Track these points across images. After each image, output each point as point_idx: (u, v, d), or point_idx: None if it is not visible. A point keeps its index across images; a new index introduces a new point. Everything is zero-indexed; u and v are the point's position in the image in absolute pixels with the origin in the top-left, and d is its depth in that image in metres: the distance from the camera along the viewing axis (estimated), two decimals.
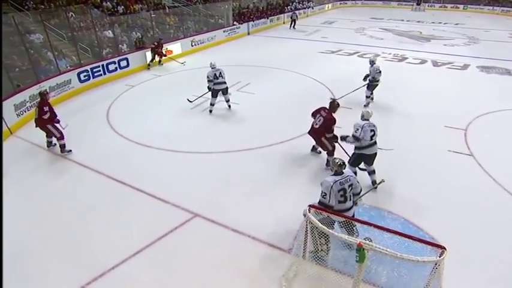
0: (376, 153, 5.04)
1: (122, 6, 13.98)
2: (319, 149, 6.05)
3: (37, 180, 5.53)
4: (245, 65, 12.31)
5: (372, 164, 5.08)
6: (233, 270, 3.78)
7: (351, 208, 3.71)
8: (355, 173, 4.89)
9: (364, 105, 8.21)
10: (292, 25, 20.37)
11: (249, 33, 18.60)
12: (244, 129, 7.33)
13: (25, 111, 7.53)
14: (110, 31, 11.96)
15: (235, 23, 17.83)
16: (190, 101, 8.52)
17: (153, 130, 7.15)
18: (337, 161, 3.68)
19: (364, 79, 8.27)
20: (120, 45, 11.82)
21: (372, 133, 4.87)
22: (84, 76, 9.75)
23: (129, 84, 10.28)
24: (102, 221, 4.59)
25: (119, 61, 10.89)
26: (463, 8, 31.72)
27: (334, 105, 5.57)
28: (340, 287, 3.13)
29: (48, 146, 6.28)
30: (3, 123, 6.66)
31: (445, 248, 2.79)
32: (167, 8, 15.73)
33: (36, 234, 4.35)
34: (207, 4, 17.91)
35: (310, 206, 3.26)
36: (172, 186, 5.27)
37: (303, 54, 14.22)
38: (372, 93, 8.39)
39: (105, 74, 10.42)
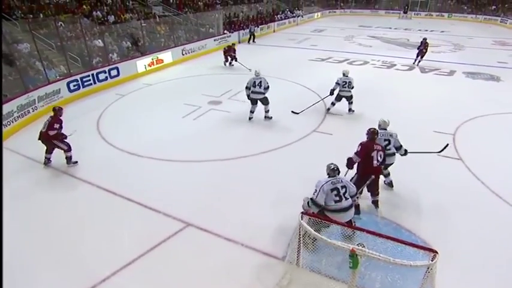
0: (392, 163, 5.20)
1: (113, 16, 13.98)
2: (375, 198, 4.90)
3: (24, 190, 5.41)
4: (236, 73, 12.37)
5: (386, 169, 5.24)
6: (227, 280, 3.74)
7: (349, 207, 3.85)
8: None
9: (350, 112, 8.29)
10: (252, 39, 18.95)
11: (239, 42, 18.74)
12: (236, 137, 7.33)
13: (12, 122, 7.40)
14: (99, 40, 11.92)
15: (225, 31, 17.96)
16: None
17: (144, 139, 7.10)
18: (332, 166, 3.89)
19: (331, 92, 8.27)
20: (110, 55, 11.78)
21: (386, 142, 4.95)
22: (74, 86, 9.66)
23: (120, 93, 10.22)
24: (93, 232, 4.51)
25: (109, 70, 10.84)
26: (448, 16, 32.58)
27: (376, 133, 4.70)
28: None
29: (45, 164, 6.07)
30: None
31: (437, 252, 2.82)
32: (157, 17, 15.78)
33: (25, 246, 4.24)
34: (197, 13, 18.03)
35: (302, 213, 3.26)
36: (164, 196, 5.22)
37: (294, 62, 14.38)
38: (351, 103, 8.42)
39: (95, 83, 10.34)
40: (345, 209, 3.81)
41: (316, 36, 21.79)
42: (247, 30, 18.92)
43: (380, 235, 3.84)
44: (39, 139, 5.81)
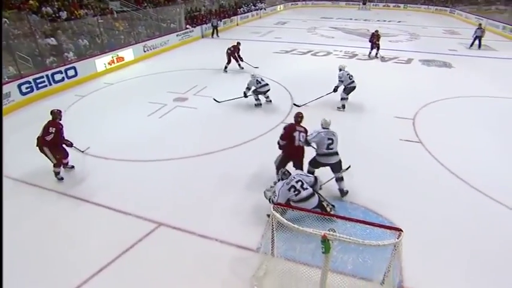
0: (336, 163, 4.89)
1: (65, 12, 13.17)
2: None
3: None
4: (201, 69, 12.18)
5: (338, 172, 4.93)
6: (204, 276, 3.72)
7: (310, 196, 4.20)
8: (313, 173, 4.96)
9: (338, 108, 8.29)
10: (215, 33, 18.54)
11: (203, 36, 18.42)
12: (204, 133, 7.23)
13: None
14: (52, 39, 11.19)
15: (188, 26, 17.56)
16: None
17: (108, 141, 6.81)
18: (283, 171, 4.42)
19: (335, 89, 8.30)
20: (65, 54, 11.12)
21: (330, 141, 4.82)
22: (27, 88, 9.01)
23: (79, 94, 9.69)
24: (59, 241, 4.28)
25: (65, 70, 10.21)
26: (404, 7, 34.13)
27: (301, 117, 5.17)
28: (310, 279, 3.20)
29: (67, 167, 5.78)
30: None
31: (402, 230, 2.96)
32: (115, 12, 15.08)
33: None
34: (157, 8, 17.44)
35: (274, 204, 3.30)
36: (133, 197, 5.06)
37: (258, 55, 14.33)
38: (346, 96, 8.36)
39: (50, 84, 9.71)
40: (306, 198, 4.18)
41: (280, 28, 21.93)
42: (210, 24, 18.61)
43: (349, 219, 3.99)
44: (36, 145, 5.31)
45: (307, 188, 4.22)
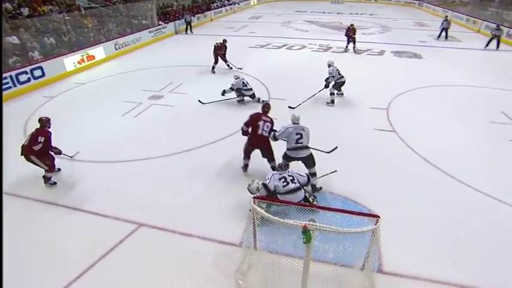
0: (307, 157, 4.95)
1: (27, 8, 12.47)
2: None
3: None
4: (175, 65, 11.96)
5: (311, 167, 4.98)
6: (187, 274, 3.69)
7: (297, 189, 4.35)
8: (288, 165, 5.00)
9: (327, 103, 8.27)
10: (189, 29, 18.08)
11: (176, 33, 18.07)
12: (181, 131, 7.13)
13: None
14: (14, 37, 10.58)
15: (160, 22, 17.15)
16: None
17: (82, 143, 6.55)
18: (281, 164, 4.69)
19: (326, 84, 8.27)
20: (30, 53, 10.57)
21: (298, 136, 4.85)
22: None
23: (48, 95, 9.27)
24: (35, 249, 4.09)
25: (31, 70, 9.72)
26: (375, 0, 34.90)
27: (268, 107, 5.46)
28: (293, 270, 3.23)
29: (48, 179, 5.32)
30: None
31: (379, 217, 3.06)
32: (82, 9, 14.47)
33: None
34: (127, 4, 16.88)
35: (254, 197, 3.31)
36: (111, 199, 4.92)
37: (233, 50, 14.11)
38: (339, 90, 8.51)
39: (15, 86, 9.22)
40: (293, 191, 4.33)
41: (254, 23, 21.86)
42: (183, 20, 18.26)
43: (329, 209, 4.07)
44: (21, 154, 4.95)
45: (295, 183, 4.38)
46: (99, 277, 3.68)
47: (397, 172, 5.57)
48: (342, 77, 8.22)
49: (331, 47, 14.69)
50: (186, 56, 13.28)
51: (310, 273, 3.06)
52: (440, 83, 9.95)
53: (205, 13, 22.12)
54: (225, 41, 11.17)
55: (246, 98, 8.47)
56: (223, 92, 8.33)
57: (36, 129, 5.02)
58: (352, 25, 13.88)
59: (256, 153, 5.43)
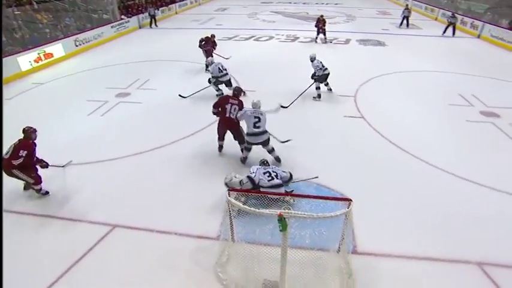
0: (263, 142, 5.26)
1: None
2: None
3: None
4: (141, 61, 11.58)
5: (266, 146, 5.35)
6: (166, 271, 3.64)
7: (280, 186, 4.42)
8: (249, 150, 5.39)
9: (314, 97, 8.12)
10: (154, 23, 17.46)
11: (140, 27, 17.45)
12: (152, 128, 6.94)
13: None
14: None
15: (123, 16, 16.47)
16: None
17: (46, 146, 6.12)
18: (263, 160, 4.81)
19: (312, 77, 8.16)
20: None
21: (256, 120, 5.11)
22: None
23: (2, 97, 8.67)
24: (5, 260, 3.85)
25: None
26: None
27: (239, 90, 5.77)
28: (271, 258, 3.28)
29: (25, 189, 4.98)
30: None
31: (351, 200, 3.16)
32: (35, 3, 13.54)
33: None
34: None
35: (229, 190, 3.31)
36: (81, 203, 4.72)
37: None
38: (327, 84, 8.36)
39: None
40: (277, 186, 4.39)
41: (220, 15, 21.55)
42: (147, 13, 17.64)
43: (303, 196, 4.19)
44: (1, 169, 4.40)
45: (279, 179, 4.47)
46: (74, 283, 3.55)
47: (367, 156, 5.78)
48: (326, 69, 8.08)
49: (298, 37, 14.82)
50: (152, 51, 12.89)
51: (289, 259, 3.12)
52: (403, 69, 10.37)
53: (169, 6, 21.49)
54: (213, 36, 10.58)
55: (226, 90, 8.19)
56: (209, 81, 8.12)
57: (19, 140, 4.51)
58: (322, 16, 13.98)
59: (214, 150, 5.37)
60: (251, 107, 5.30)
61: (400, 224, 4.30)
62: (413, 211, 4.51)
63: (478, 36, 15.09)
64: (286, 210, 2.92)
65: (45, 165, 4.86)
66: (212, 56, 9.93)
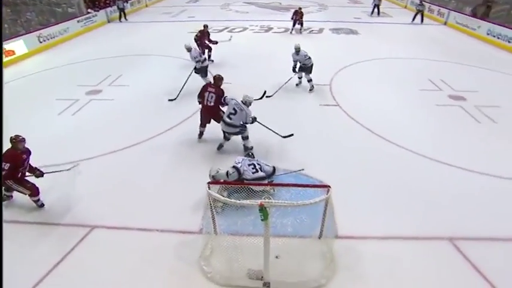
0: (230, 133, 5.43)
1: None
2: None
3: None
4: (112, 57, 11.17)
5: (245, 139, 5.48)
6: (150, 269, 3.60)
7: (263, 178, 4.46)
8: (227, 138, 5.54)
9: (310, 90, 8.09)
10: (123, 17, 16.73)
11: (109, 21, 16.78)
12: (126, 125, 6.73)
13: None
14: None
15: (89, 10, 15.77)
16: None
17: None
18: (249, 153, 4.99)
19: (294, 70, 8.04)
20: None
21: (232, 111, 5.22)
22: None
23: None
24: None
25: None
26: None
27: (217, 78, 5.71)
28: (255, 248, 3.31)
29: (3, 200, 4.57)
30: None
31: (329, 186, 3.24)
32: None
33: None
34: None
35: (208, 182, 3.30)
36: (57, 205, 4.57)
37: (173, 36, 13.71)
38: (310, 80, 8.11)
39: None
40: (260, 179, 4.44)
41: (192, 7, 21.08)
42: (115, 6, 16.96)
43: (283, 185, 4.24)
44: None
45: (263, 172, 4.52)
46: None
47: (342, 143, 5.92)
48: (310, 58, 7.91)
49: (272, 28, 14.79)
50: (123, 46, 12.46)
51: (272, 248, 3.17)
52: (376, 56, 10.61)
53: None
54: (205, 26, 10.14)
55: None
56: (195, 68, 7.88)
57: (7, 149, 4.19)
58: (300, 8, 13.89)
59: (192, 144, 5.35)
60: (241, 99, 5.32)
61: (377, 206, 4.46)
62: (389, 193, 4.68)
63: (445, 23, 15.64)
64: (267, 200, 2.95)
65: (39, 174, 4.53)
66: (208, 49, 9.98)
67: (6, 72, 10.00)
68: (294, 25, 13.92)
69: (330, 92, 7.94)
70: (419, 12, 15.63)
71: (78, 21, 14.49)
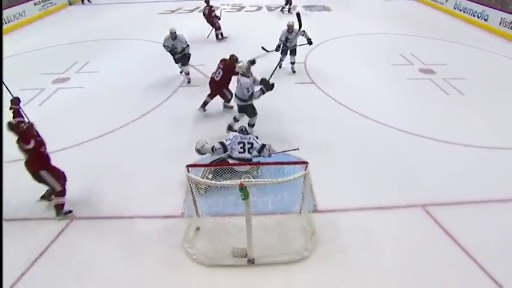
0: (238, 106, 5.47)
1: None
2: (229, 104, 6.25)
3: None
4: (77, 42, 10.59)
5: (251, 116, 5.47)
6: (135, 257, 3.58)
7: (249, 159, 4.41)
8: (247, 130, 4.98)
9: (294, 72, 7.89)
10: None
11: (70, 3, 15.78)
12: (98, 113, 6.48)
13: None
14: None
15: None
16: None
17: None
18: (241, 127, 4.65)
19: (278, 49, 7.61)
20: None
21: (237, 84, 5.22)
22: None
23: None
24: None
25: None
26: None
27: (231, 57, 5.81)
28: (237, 227, 3.37)
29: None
30: None
31: (307, 163, 3.31)
32: None
33: None
34: None
35: (187, 165, 3.28)
36: (29, 199, 4.38)
37: (142, 18, 13.19)
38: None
39: None
40: (244, 159, 4.38)
41: None
42: None
43: (262, 163, 4.28)
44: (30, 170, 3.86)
45: (251, 153, 4.42)
46: (32, 285, 3.38)
47: (318, 118, 6.03)
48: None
49: (244, 6, 14.47)
50: (88, 30, 11.81)
51: (254, 226, 3.23)
52: (349, 33, 10.67)
53: None
54: (207, 2, 9.96)
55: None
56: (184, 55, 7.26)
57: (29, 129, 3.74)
58: None
59: (170, 129, 5.25)
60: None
61: (355, 179, 4.61)
62: (364, 165, 4.86)
63: None
64: (247, 180, 2.98)
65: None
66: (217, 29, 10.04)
67: None
68: (286, 4, 13.29)
69: (305, 70, 7.97)
70: None
71: (35, 4, 13.50)
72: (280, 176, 3.21)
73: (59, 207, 4.07)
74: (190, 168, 3.27)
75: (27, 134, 3.63)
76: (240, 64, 5.14)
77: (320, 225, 3.79)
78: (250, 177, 3.45)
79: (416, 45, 9.68)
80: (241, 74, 5.12)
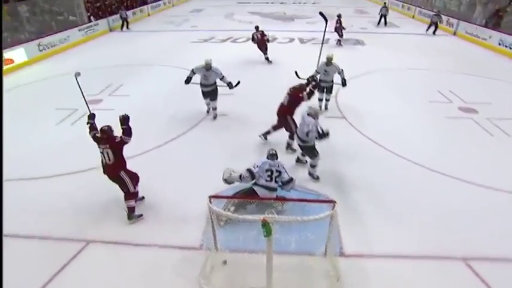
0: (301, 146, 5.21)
1: None
2: (292, 145, 5.84)
3: None
4: (113, 66, 11.13)
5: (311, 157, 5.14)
6: (148, 285, 3.44)
7: (275, 189, 4.25)
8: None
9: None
10: (125, 26, 16.97)
11: (111, 30, 16.85)
12: None
13: None
14: None
15: (91, 19, 15.84)
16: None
17: (10, 159, 5.71)
18: (271, 152, 4.31)
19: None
20: None
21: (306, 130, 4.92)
22: None
23: None
24: None
25: None
26: None
27: (302, 86, 5.74)
28: (257, 265, 3.15)
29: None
30: None
31: (335, 201, 3.09)
32: None
33: None
34: None
35: (210, 196, 3.16)
36: (51, 219, 4.41)
37: (175, 46, 13.71)
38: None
39: None
40: (271, 189, 4.23)
41: (195, 16, 21.24)
42: (118, 15, 17.06)
43: (287, 199, 4.08)
44: (107, 173, 4.27)
45: (278, 182, 4.26)
46: None
47: (349, 156, 5.76)
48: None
49: (276, 38, 14.65)
50: (124, 55, 12.45)
51: (275, 265, 3.01)
52: (383, 67, 10.50)
53: (141, 7, 20.95)
54: (256, 28, 10.71)
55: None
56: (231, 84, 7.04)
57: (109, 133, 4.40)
58: (339, 15, 13.60)
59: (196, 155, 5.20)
60: (311, 116, 4.94)
61: (386, 223, 4.28)
62: (397, 209, 4.51)
63: (454, 34, 15.48)
64: (270, 215, 2.80)
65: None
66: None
67: (6, 80, 9.95)
68: (339, 35, 13.45)
69: (336, 104, 7.81)
70: (434, 23, 15.26)
71: (79, 30, 14.54)
72: (306, 214, 3.01)
73: (131, 211, 4.23)
74: (212, 199, 3.15)
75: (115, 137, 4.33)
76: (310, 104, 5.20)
77: (346, 271, 3.49)
78: (273, 213, 3.25)
79: (455, 82, 9.28)
80: (308, 114, 4.94)
